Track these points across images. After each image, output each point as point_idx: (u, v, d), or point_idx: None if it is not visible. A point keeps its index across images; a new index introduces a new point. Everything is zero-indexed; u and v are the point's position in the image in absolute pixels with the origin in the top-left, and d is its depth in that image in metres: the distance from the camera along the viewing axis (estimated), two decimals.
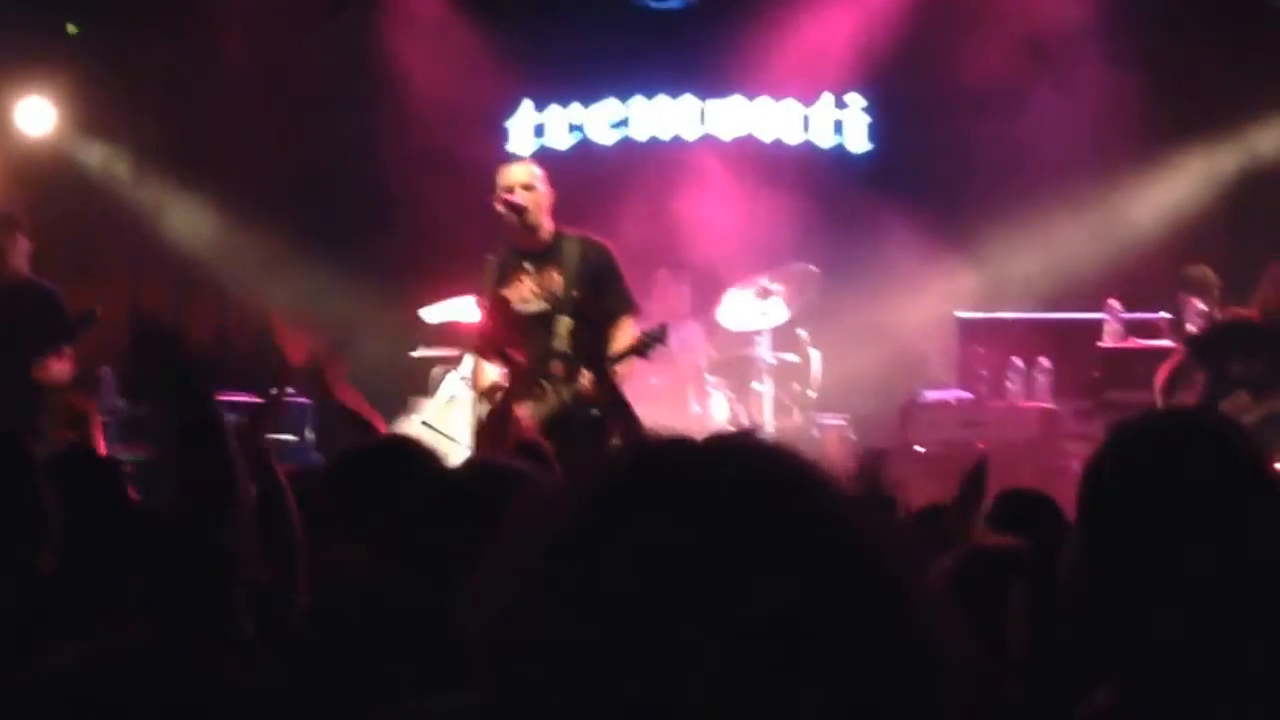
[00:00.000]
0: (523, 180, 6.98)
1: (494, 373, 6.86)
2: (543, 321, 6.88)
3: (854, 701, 1.10)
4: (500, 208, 6.93)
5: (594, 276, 6.93)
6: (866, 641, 1.10)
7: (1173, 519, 2.04)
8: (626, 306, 6.99)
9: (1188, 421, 2.37)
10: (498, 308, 7.02)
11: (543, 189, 7.00)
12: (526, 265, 6.96)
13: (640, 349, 6.59)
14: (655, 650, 1.07)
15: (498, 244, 7.15)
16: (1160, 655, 2.05)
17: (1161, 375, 7.65)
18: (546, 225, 6.95)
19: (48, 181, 10.06)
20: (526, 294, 6.95)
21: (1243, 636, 2.00)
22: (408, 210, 9.79)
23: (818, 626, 1.09)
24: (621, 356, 6.89)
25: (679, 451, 1.17)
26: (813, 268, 8.99)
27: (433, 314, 9.03)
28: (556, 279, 6.91)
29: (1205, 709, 2.01)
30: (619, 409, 5.17)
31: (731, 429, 6.99)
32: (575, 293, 6.87)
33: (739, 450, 1.17)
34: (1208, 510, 2.04)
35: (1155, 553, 2.04)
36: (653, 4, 9.69)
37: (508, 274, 7.03)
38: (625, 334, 7.08)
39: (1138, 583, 2.07)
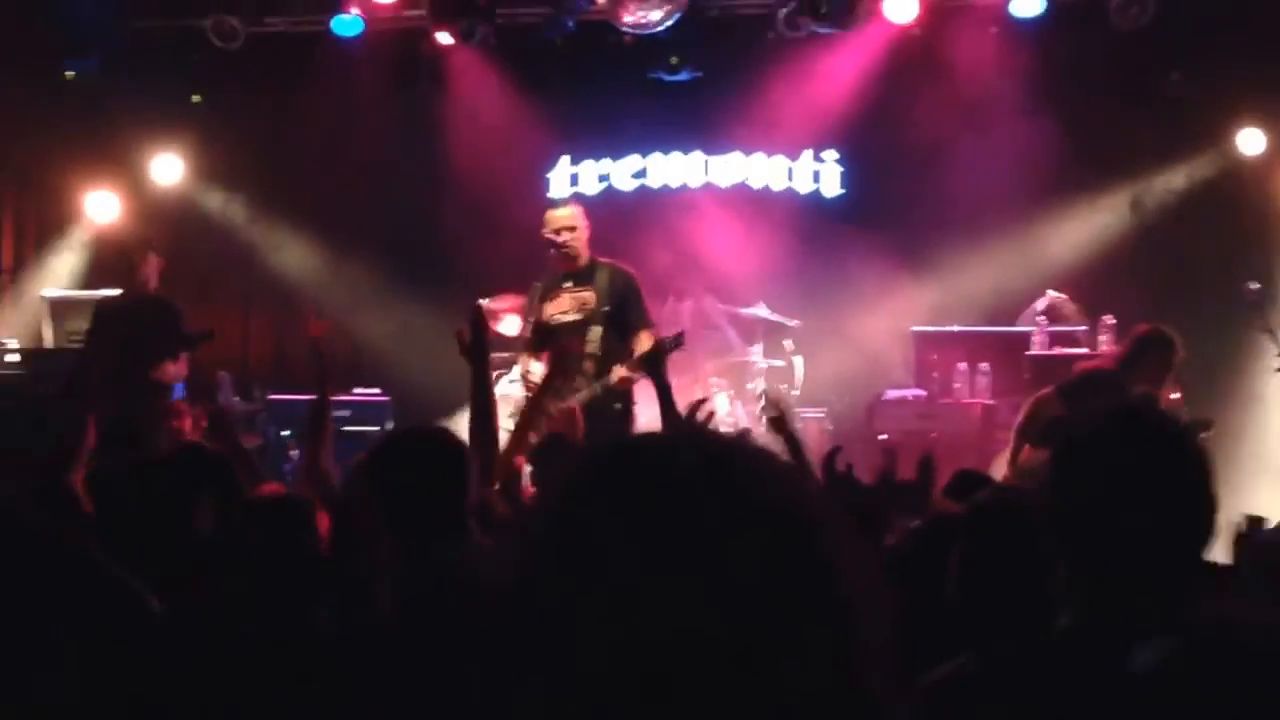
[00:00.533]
0: (566, 221, 7.09)
1: (538, 373, 6.89)
2: (578, 329, 6.94)
3: (788, 659, 1.05)
4: (548, 239, 7.03)
5: (620, 296, 6.99)
6: (804, 601, 1.06)
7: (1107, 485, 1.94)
8: (645, 322, 7.04)
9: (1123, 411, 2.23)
10: (538, 321, 7.12)
11: (582, 225, 7.11)
12: (566, 284, 7.06)
13: (660, 353, 6.59)
14: (615, 598, 1.05)
15: (544, 270, 7.20)
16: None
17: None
18: (584, 254, 7.07)
19: (176, 223, 9.95)
20: (566, 307, 7.05)
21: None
22: (468, 242, 9.63)
23: (758, 588, 1.05)
24: (646, 357, 6.88)
25: (649, 440, 1.17)
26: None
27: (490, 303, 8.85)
28: (590, 296, 6.99)
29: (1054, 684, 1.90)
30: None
31: (726, 424, 6.94)
32: (606, 308, 6.94)
33: (695, 439, 1.15)
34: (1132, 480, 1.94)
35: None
36: (666, 78, 9.48)
37: (550, 291, 7.12)
38: (645, 343, 7.06)
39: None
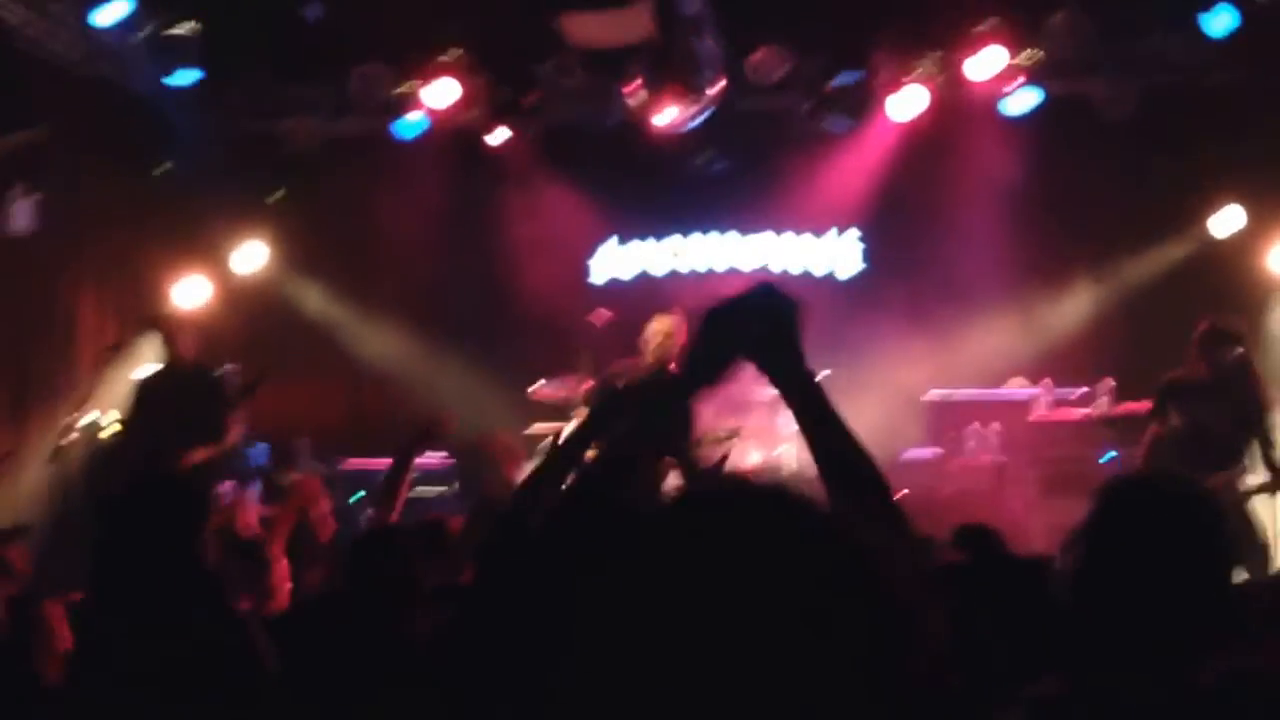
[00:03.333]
0: (667, 330, 7.41)
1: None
2: None
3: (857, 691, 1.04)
4: (645, 346, 7.34)
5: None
6: (872, 640, 1.06)
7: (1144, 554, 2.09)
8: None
9: (1165, 482, 2.45)
10: None
11: (680, 335, 7.29)
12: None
13: (719, 441, 7.21)
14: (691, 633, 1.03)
15: (617, 366, 7.60)
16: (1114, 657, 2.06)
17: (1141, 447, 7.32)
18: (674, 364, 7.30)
19: (258, 307, 10.57)
20: None
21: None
22: (519, 316, 10.20)
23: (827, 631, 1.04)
24: (700, 444, 7.50)
25: (729, 487, 1.15)
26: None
27: (538, 389, 9.29)
28: None
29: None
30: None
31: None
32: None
33: (774, 493, 1.12)
34: (1170, 551, 2.09)
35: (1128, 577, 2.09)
36: (703, 170, 10.11)
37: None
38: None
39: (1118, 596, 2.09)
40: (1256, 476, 7.17)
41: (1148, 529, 2.12)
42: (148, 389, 8.37)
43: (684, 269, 10.91)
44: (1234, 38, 9.11)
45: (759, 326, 1.93)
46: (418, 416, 9.96)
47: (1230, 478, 7.02)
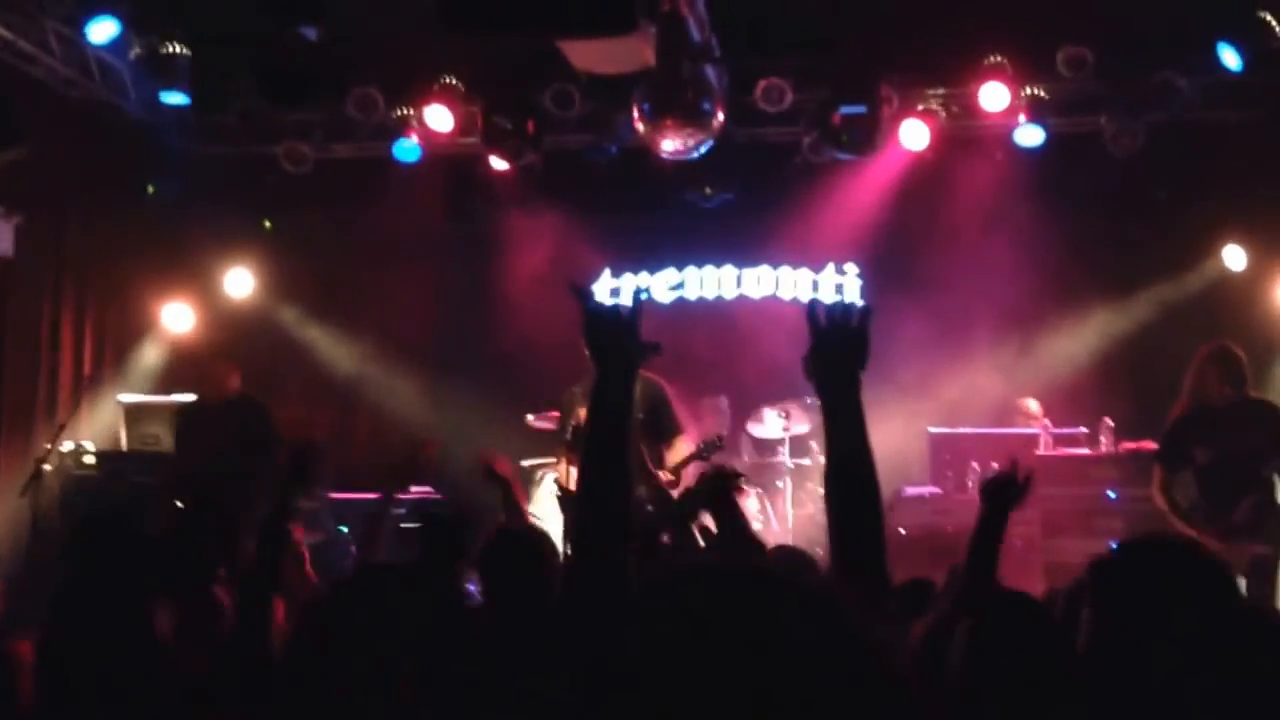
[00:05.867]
0: None
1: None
2: None
3: None
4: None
5: (653, 406, 7.36)
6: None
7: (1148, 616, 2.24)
8: (676, 429, 7.43)
9: (1166, 547, 2.64)
10: (577, 426, 7.44)
11: None
12: None
13: (702, 454, 7.05)
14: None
15: (584, 376, 7.36)
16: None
17: (1155, 490, 7.15)
18: None
19: (246, 333, 10.52)
20: None
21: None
22: (514, 348, 10.11)
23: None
24: (686, 461, 7.43)
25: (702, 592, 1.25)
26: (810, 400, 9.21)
27: (533, 420, 9.25)
28: None
29: None
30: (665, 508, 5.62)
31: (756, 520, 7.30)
32: (640, 415, 7.02)
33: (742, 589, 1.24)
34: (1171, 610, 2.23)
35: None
36: (702, 204, 10.08)
37: (588, 398, 7.49)
38: (680, 448, 7.58)
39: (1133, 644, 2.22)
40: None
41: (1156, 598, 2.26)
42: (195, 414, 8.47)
43: (691, 296, 10.88)
44: (1242, 76, 9.08)
45: (602, 336, 2.59)
46: (406, 446, 10.13)
47: (1261, 499, 6.95)
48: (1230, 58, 8.95)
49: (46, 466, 8.48)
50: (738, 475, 4.84)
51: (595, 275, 10.87)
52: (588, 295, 2.73)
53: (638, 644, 1.21)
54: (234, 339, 10.33)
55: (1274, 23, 8.71)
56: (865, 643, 1.20)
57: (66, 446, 8.97)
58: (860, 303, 2.71)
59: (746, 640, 1.18)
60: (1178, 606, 2.24)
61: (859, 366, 2.67)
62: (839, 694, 1.16)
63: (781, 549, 5.15)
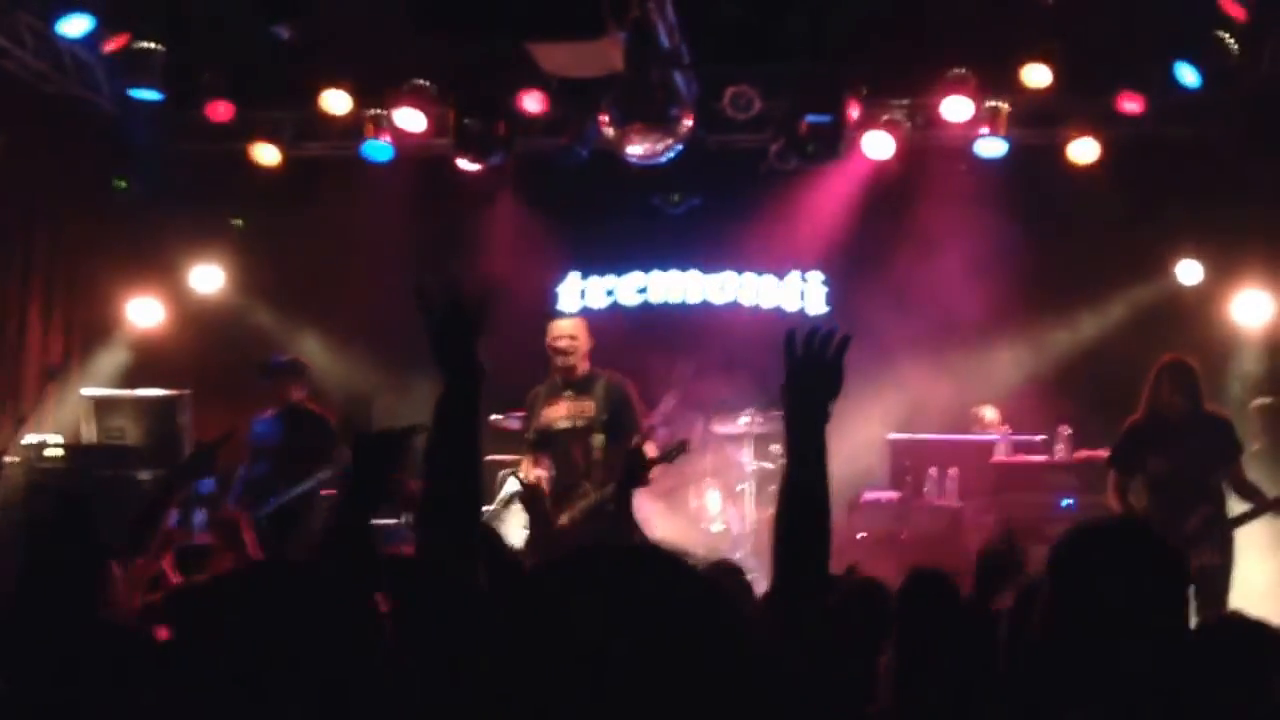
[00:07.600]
0: (569, 331, 7.47)
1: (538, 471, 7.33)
2: (580, 436, 7.27)
3: None
4: (552, 347, 7.41)
5: (616, 405, 7.36)
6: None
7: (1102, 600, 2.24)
8: (636, 428, 7.38)
9: (1118, 526, 2.71)
10: (539, 426, 7.45)
11: (584, 337, 7.43)
12: (566, 392, 7.40)
13: (668, 457, 7.11)
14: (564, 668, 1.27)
15: (546, 375, 7.54)
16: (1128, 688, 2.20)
17: (1110, 493, 7.27)
18: (583, 365, 7.42)
19: (214, 328, 10.54)
20: (565, 413, 7.38)
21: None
22: (480, 349, 10.15)
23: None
24: (653, 463, 7.48)
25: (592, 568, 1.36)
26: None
27: (498, 420, 9.17)
28: (590, 405, 7.33)
29: None
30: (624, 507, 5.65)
31: (719, 519, 7.41)
32: (604, 416, 7.31)
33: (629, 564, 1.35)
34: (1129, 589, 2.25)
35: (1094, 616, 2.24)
36: (668, 210, 10.20)
37: (550, 398, 7.42)
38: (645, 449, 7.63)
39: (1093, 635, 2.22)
40: (1238, 505, 7.19)
41: (1111, 576, 2.26)
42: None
43: (656, 300, 10.95)
44: (1199, 93, 9.22)
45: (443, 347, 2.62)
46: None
47: (1212, 511, 7.04)
48: (1188, 75, 9.11)
49: (9, 459, 8.40)
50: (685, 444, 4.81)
51: (561, 277, 10.87)
52: (427, 301, 2.60)
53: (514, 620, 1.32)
54: (201, 335, 10.32)
55: (1230, 42, 8.87)
56: (722, 617, 1.30)
57: (31, 439, 8.89)
58: (840, 332, 2.77)
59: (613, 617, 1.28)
60: (1134, 587, 2.26)
61: (830, 397, 2.70)
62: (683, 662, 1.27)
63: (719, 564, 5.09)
